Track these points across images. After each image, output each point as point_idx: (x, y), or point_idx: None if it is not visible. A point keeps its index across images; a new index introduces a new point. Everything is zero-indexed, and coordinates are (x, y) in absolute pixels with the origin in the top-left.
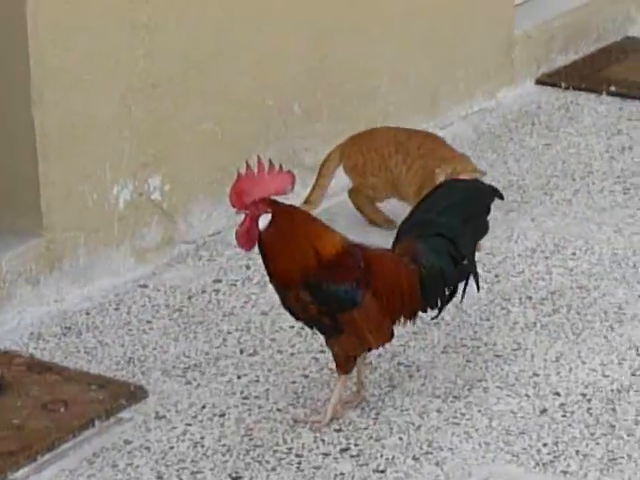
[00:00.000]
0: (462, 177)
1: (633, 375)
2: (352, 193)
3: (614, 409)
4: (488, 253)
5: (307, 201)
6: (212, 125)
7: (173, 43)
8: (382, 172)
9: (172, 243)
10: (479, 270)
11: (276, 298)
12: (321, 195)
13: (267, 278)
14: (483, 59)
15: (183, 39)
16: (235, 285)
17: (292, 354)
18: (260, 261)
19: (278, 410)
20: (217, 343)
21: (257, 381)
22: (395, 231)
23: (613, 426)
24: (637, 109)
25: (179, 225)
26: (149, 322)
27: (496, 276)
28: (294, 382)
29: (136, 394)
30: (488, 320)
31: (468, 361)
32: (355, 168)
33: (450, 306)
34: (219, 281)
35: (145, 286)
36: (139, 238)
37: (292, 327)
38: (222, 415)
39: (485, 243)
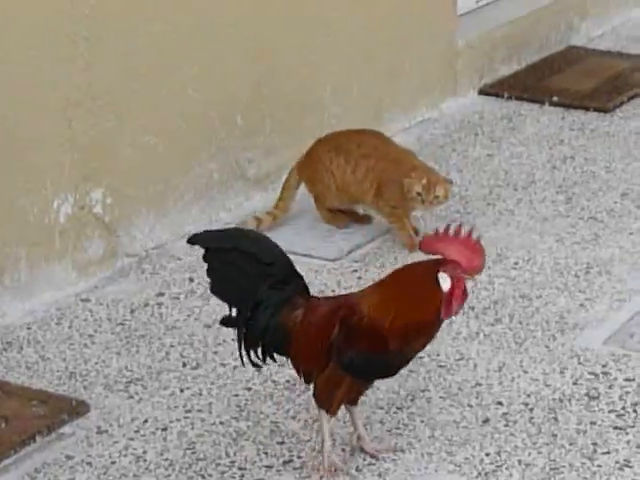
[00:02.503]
0: (438, 188)
1: (575, 384)
2: (315, 202)
3: (556, 418)
4: None
5: (273, 214)
6: (154, 138)
7: (114, 56)
8: (327, 178)
9: (114, 256)
10: None
11: (218, 310)
12: (284, 208)
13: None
14: (426, 70)
15: (124, 52)
16: (178, 298)
17: (235, 367)
18: (203, 273)
19: (221, 423)
20: (160, 357)
21: (200, 394)
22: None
23: (555, 435)
24: (579, 119)
25: (121, 238)
26: (91, 336)
27: None
28: (237, 395)
29: (78, 409)
30: None
31: (411, 371)
32: (308, 181)
33: None
34: (162, 294)
35: (87, 300)
36: (81, 252)
37: (235, 340)
38: (164, 429)
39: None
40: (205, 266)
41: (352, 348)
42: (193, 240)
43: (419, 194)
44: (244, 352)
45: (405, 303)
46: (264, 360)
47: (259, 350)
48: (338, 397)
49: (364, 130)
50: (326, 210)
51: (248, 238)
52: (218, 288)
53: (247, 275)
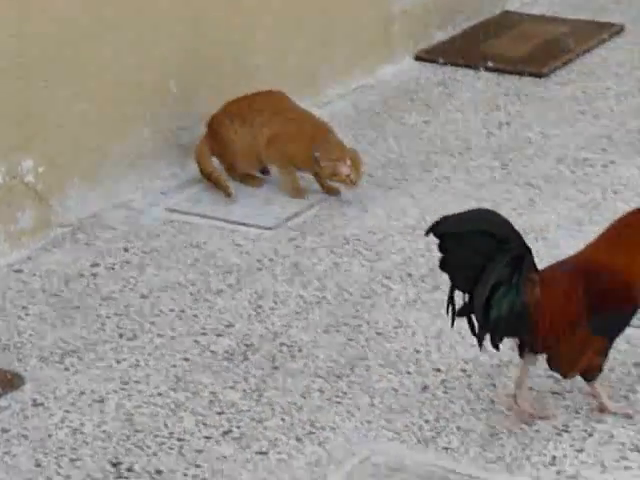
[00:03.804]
0: (361, 165)
1: (512, 350)
2: (226, 172)
3: (494, 384)
4: (369, 231)
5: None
6: (87, 105)
7: (45, 23)
8: (230, 147)
9: (48, 226)
10: (360, 248)
11: (155, 281)
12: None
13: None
14: (361, 36)
15: (56, 18)
16: (113, 268)
17: (172, 337)
18: (138, 243)
19: (159, 394)
20: (95, 328)
21: (137, 366)
22: None
23: (493, 401)
24: (514, 84)
25: (54, 208)
26: (25, 308)
27: (377, 254)
28: (175, 366)
29: (13, 381)
30: (369, 298)
31: (350, 340)
32: (219, 156)
33: (332, 285)
34: (97, 265)
35: (20, 271)
36: (13, 222)
37: (172, 310)
38: (101, 401)
39: (366, 221)
40: (440, 256)
41: (604, 310)
42: (429, 232)
43: (348, 176)
44: (483, 336)
45: None
46: (501, 341)
47: (498, 332)
48: (582, 362)
49: (260, 91)
50: (239, 175)
51: (480, 217)
52: (458, 275)
53: (483, 255)
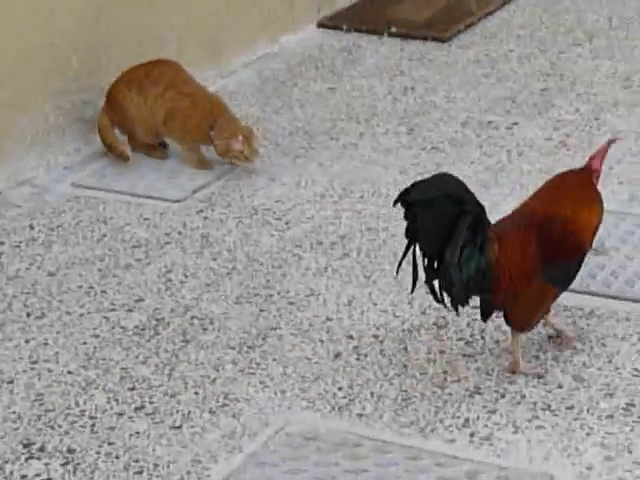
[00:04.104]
0: (255, 141)
1: (423, 314)
2: (128, 142)
3: (406, 349)
4: (277, 201)
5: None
6: None
7: None
8: (128, 115)
9: None
10: (270, 218)
11: (62, 258)
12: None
13: None
14: (264, 3)
15: None
16: (19, 247)
17: (81, 315)
18: (43, 220)
19: (69, 373)
20: (2, 308)
21: (46, 344)
22: None
23: (406, 366)
24: (418, 49)
25: None
26: None
27: (286, 223)
28: (85, 343)
29: None
30: (280, 267)
31: (262, 310)
32: (119, 126)
33: (242, 256)
34: (2, 243)
35: None
36: None
37: (80, 287)
38: (10, 382)
39: (274, 191)
40: (405, 225)
41: (557, 259)
42: (397, 201)
43: (241, 152)
44: (461, 298)
45: (589, 206)
46: (465, 302)
47: (463, 293)
48: (539, 314)
49: (156, 60)
50: (142, 146)
51: (443, 182)
52: (425, 241)
53: (449, 219)
